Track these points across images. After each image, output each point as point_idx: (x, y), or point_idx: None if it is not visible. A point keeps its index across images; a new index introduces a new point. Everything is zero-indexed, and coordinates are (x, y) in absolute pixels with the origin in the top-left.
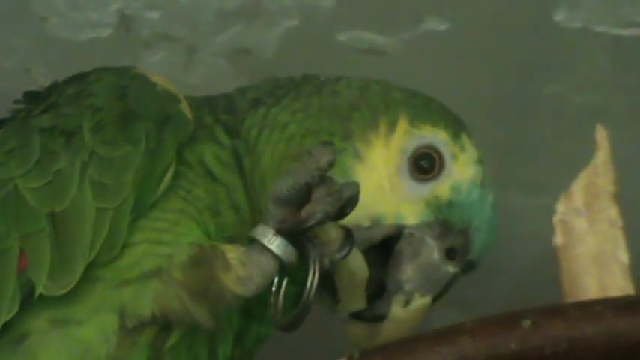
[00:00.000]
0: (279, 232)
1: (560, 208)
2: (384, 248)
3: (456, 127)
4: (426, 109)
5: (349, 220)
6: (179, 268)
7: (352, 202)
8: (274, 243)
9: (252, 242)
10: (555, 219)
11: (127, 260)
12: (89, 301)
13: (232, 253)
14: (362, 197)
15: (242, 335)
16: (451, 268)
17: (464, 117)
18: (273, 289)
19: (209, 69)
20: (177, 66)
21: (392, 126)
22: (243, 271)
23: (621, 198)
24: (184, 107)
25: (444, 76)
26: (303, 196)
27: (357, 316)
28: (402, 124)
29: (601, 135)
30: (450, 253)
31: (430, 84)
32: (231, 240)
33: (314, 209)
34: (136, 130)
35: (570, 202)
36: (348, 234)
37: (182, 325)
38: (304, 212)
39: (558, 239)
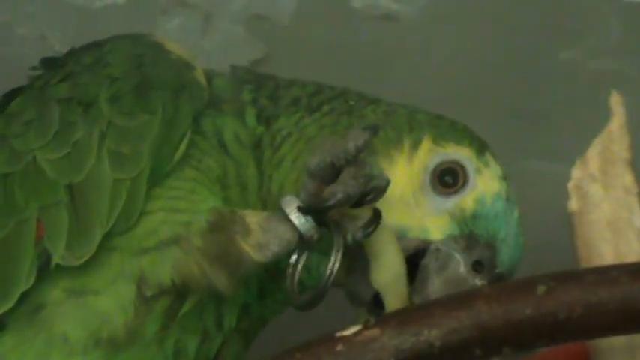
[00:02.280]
0: (305, 205)
1: (576, 174)
2: (410, 264)
3: (480, 145)
4: (451, 129)
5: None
6: (198, 234)
7: (377, 192)
8: (296, 215)
9: (277, 210)
10: (570, 185)
11: (144, 229)
12: (106, 271)
13: (252, 218)
14: (387, 212)
15: (248, 308)
16: (478, 282)
17: (478, 82)
18: (291, 261)
19: (225, 35)
20: (193, 32)
21: (416, 144)
22: (261, 236)
23: (636, 163)
24: (199, 75)
25: (459, 42)
26: (331, 175)
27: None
28: (426, 143)
29: (616, 101)
30: (476, 267)
31: (444, 50)
32: None
33: (335, 190)
34: (152, 100)
35: (585, 168)
36: (376, 214)
37: (200, 291)
38: (327, 191)
39: (573, 205)
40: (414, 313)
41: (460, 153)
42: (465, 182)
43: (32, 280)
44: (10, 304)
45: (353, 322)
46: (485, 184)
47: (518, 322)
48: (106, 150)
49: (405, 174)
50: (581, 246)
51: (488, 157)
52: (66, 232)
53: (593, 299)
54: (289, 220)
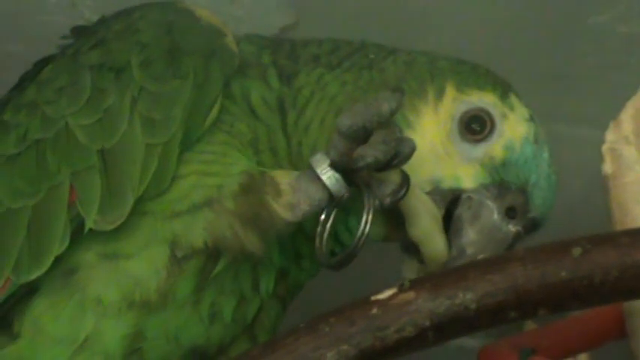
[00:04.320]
0: (335, 164)
1: (609, 136)
2: (445, 214)
3: (504, 88)
4: (472, 74)
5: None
6: (230, 197)
7: (402, 158)
8: (327, 174)
9: (307, 169)
10: (604, 147)
11: (176, 193)
12: (139, 235)
13: (283, 178)
14: (419, 163)
15: (285, 273)
16: (512, 228)
17: (508, 49)
18: (321, 220)
19: (255, 1)
20: (223, 1)
21: (439, 93)
22: (292, 196)
23: None
24: (229, 41)
25: (488, 7)
26: (361, 136)
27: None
28: (450, 91)
29: None
30: (510, 213)
31: (474, 14)
32: None
33: (365, 153)
34: (183, 65)
35: (619, 131)
36: (405, 178)
37: (233, 254)
38: (356, 153)
39: (608, 168)
40: (448, 276)
41: (484, 99)
42: (493, 128)
43: (66, 244)
44: (44, 268)
45: (388, 285)
46: (512, 129)
47: (554, 284)
48: (137, 115)
49: (432, 124)
50: (615, 208)
51: (512, 99)
52: (98, 197)
53: (629, 261)
54: (320, 179)
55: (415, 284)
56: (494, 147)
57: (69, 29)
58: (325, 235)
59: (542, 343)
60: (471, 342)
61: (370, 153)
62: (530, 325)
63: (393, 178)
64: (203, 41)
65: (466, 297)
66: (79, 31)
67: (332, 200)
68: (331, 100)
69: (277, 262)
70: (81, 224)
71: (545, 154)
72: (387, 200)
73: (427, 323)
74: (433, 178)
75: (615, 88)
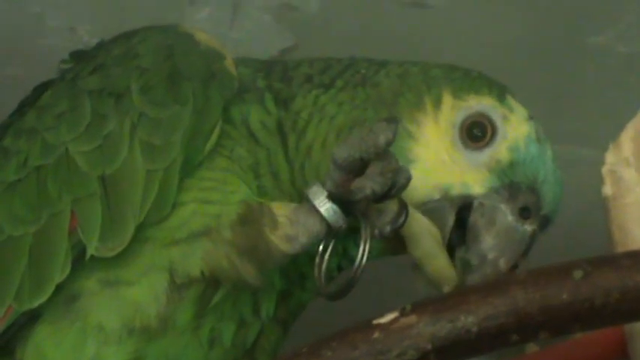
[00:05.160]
0: (332, 196)
1: (609, 158)
2: (459, 223)
3: (500, 90)
4: (467, 79)
5: (420, 196)
6: (228, 227)
7: (399, 188)
8: (325, 206)
9: (304, 201)
10: (604, 169)
11: (176, 220)
12: (139, 262)
13: (280, 210)
14: (427, 173)
15: (286, 296)
16: (528, 227)
17: (508, 67)
18: (319, 251)
19: (254, 24)
20: (222, 22)
21: (437, 102)
22: (290, 229)
23: None
24: (229, 64)
25: (489, 27)
26: (358, 167)
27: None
28: (447, 99)
29: None
30: (523, 213)
31: (474, 35)
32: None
33: (364, 185)
34: (183, 90)
35: (619, 153)
36: (403, 206)
37: (230, 283)
38: (354, 185)
39: (608, 189)
40: (449, 299)
41: (483, 103)
42: (495, 132)
43: (67, 271)
44: (46, 296)
45: (390, 309)
46: (514, 130)
47: (555, 307)
48: (137, 141)
49: (434, 134)
50: (616, 230)
51: (510, 100)
52: (99, 224)
53: (630, 284)
54: (318, 212)
55: (416, 308)
56: (500, 150)
57: (68, 53)
58: (323, 266)
59: None
60: None
61: (368, 185)
62: (532, 348)
63: (391, 206)
64: (202, 65)
65: (467, 320)
66: (79, 56)
67: (330, 231)
68: (330, 121)
69: (279, 284)
70: (82, 251)
71: (549, 151)
72: (387, 229)
73: (429, 347)
74: (441, 186)
75: (615, 107)
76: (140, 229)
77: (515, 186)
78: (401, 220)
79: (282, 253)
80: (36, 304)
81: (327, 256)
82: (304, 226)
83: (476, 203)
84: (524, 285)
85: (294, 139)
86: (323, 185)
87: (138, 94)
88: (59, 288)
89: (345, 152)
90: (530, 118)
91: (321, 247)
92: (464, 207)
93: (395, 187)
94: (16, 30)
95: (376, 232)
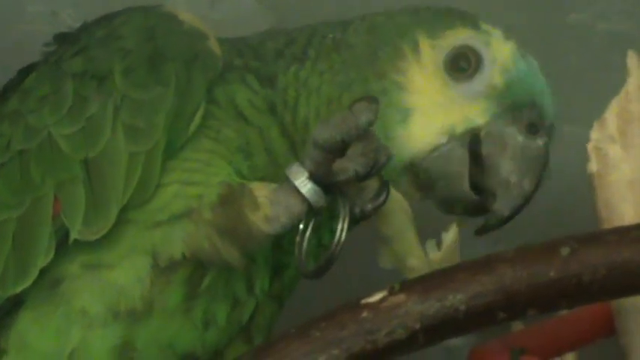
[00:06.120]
0: (313, 176)
1: (594, 135)
2: (474, 158)
3: (472, 19)
4: (437, 18)
5: (427, 144)
6: (209, 208)
7: (381, 165)
8: (306, 186)
9: (285, 181)
10: (589, 146)
11: (158, 202)
12: (121, 245)
13: (261, 191)
14: (427, 120)
15: (280, 270)
16: (540, 141)
17: None
18: (299, 230)
19: (234, 5)
20: (202, 2)
21: (415, 47)
22: (270, 209)
23: None
24: (213, 44)
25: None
26: (339, 148)
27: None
28: (424, 42)
29: (632, 61)
30: (531, 129)
31: None
32: (264, 179)
33: (347, 166)
34: (165, 71)
35: (604, 129)
36: (384, 184)
37: (212, 265)
38: (336, 166)
39: (593, 166)
40: (438, 278)
41: (460, 36)
42: (479, 60)
43: (51, 255)
44: (29, 281)
45: (378, 288)
46: (499, 53)
47: (543, 285)
48: (120, 123)
49: (422, 79)
50: (601, 207)
51: (484, 26)
52: (83, 207)
53: (617, 259)
54: (299, 192)
55: (405, 287)
56: (491, 75)
57: (49, 38)
58: (304, 244)
59: (532, 343)
60: (459, 342)
61: (351, 167)
62: (517, 326)
63: (372, 184)
64: (185, 46)
65: (456, 298)
66: (62, 39)
67: (310, 210)
68: (317, 93)
69: (272, 260)
70: (65, 235)
71: (534, 62)
72: (369, 207)
73: (417, 326)
74: (445, 128)
75: (597, 85)
76: (123, 211)
77: (515, 106)
78: (382, 198)
79: (262, 234)
80: (20, 288)
81: (307, 235)
82: (285, 207)
83: (483, 134)
84: (511, 263)
85: (290, 115)
86: (302, 165)
87: (120, 76)
88: (42, 273)
89: (326, 133)
90: (508, 37)
91: (301, 226)
92: (473, 141)
93: (376, 165)
94: None
95: (357, 210)
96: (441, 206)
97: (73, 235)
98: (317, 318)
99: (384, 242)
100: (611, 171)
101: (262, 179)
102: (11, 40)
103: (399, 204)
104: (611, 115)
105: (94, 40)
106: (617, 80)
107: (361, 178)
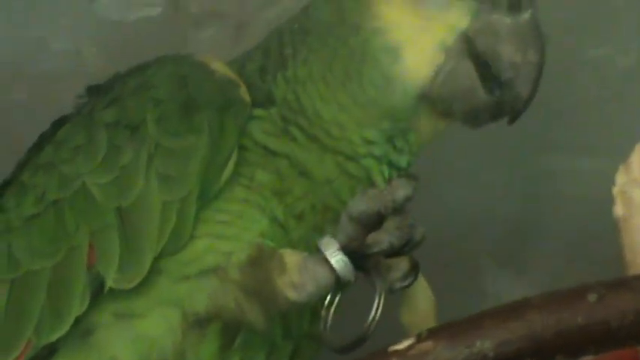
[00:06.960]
0: (344, 248)
1: (620, 179)
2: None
3: None
4: None
5: (428, 70)
6: (237, 267)
7: (413, 245)
8: (335, 257)
9: (316, 251)
10: (615, 190)
11: (189, 255)
12: (152, 295)
13: (291, 257)
14: (418, 49)
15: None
16: (527, 15)
17: None
18: (326, 303)
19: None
20: (226, 43)
21: None
22: (297, 277)
23: None
24: (243, 92)
25: None
26: (374, 222)
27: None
28: None
29: None
30: (514, 8)
31: None
32: (301, 217)
33: (381, 238)
34: (198, 120)
35: (629, 173)
36: (414, 264)
37: (234, 324)
38: (371, 238)
39: (619, 210)
40: (465, 324)
41: None
42: None
43: (86, 304)
44: (64, 330)
45: (405, 336)
46: None
47: (571, 331)
48: (153, 172)
49: (393, 12)
50: (628, 251)
51: None
52: (117, 256)
53: None
54: (328, 262)
55: (433, 333)
56: None
57: (73, 77)
58: (329, 319)
59: None
60: None
61: (386, 239)
62: None
63: (402, 264)
64: (217, 94)
65: (484, 345)
66: (94, 90)
67: (338, 284)
68: (310, 78)
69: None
70: (100, 284)
71: None
72: (397, 285)
73: None
74: (436, 46)
75: (615, 119)
76: (156, 260)
77: None
78: (411, 277)
79: (287, 300)
80: (55, 337)
81: (332, 310)
82: (313, 275)
83: (472, 33)
84: (539, 309)
85: (302, 118)
86: (335, 237)
87: (153, 124)
88: (75, 322)
89: (362, 206)
90: None
91: (326, 301)
92: (469, 50)
93: (410, 242)
94: (19, 54)
95: (386, 287)
96: (467, 122)
97: (108, 284)
98: None
99: (405, 326)
100: (636, 215)
101: (300, 216)
102: (34, 79)
103: (424, 291)
104: (636, 159)
105: (127, 90)
106: (634, 114)
107: (395, 252)
